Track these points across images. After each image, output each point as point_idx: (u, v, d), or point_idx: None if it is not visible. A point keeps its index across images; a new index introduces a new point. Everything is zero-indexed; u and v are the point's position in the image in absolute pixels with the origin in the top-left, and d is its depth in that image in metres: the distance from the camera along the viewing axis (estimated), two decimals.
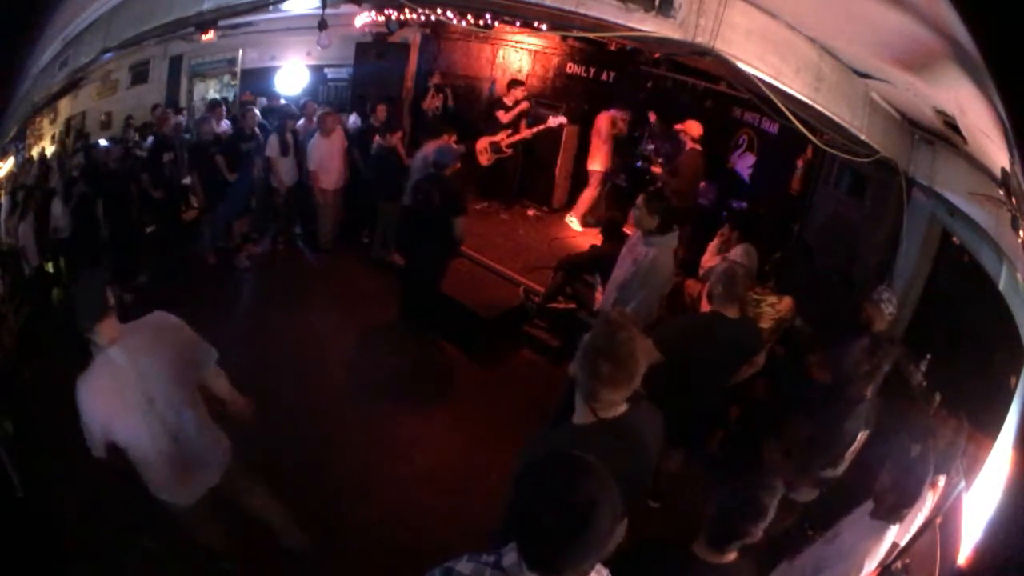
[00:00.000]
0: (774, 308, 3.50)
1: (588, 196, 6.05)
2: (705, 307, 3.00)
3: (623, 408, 1.76)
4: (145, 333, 2.19)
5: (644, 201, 3.41)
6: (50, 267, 3.96)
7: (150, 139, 4.74)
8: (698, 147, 5.08)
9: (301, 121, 5.57)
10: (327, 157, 5.24)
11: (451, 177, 4.28)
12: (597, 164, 5.91)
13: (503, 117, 6.00)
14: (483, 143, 6.00)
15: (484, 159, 6.02)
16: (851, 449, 2.67)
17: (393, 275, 4.76)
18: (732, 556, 1.74)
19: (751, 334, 3.02)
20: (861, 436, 2.66)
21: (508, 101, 6.03)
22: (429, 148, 4.65)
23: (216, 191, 4.92)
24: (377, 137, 5.38)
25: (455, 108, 6.60)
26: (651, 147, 5.88)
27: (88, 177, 4.33)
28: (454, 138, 5.05)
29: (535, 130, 6.05)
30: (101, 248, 4.38)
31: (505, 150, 6.06)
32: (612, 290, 3.61)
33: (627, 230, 4.31)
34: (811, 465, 2.74)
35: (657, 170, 5.46)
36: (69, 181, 4.21)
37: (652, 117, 5.83)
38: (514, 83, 6.12)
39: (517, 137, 6.05)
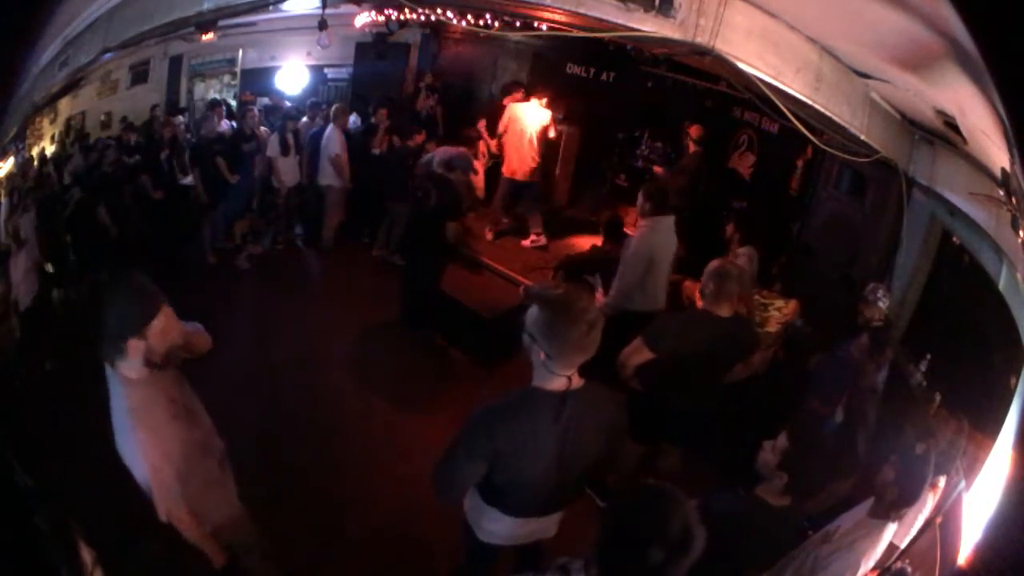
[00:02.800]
0: (781, 312, 3.50)
1: None
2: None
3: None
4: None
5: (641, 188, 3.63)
6: (50, 267, 3.95)
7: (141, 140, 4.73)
8: (699, 148, 5.11)
9: (303, 120, 5.56)
10: (345, 148, 5.25)
11: (455, 181, 4.32)
12: None
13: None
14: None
15: (480, 163, 6.00)
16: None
17: (394, 274, 4.77)
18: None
19: (744, 333, 3.01)
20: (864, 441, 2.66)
21: (503, 102, 6.01)
22: (437, 153, 4.73)
23: (218, 190, 4.92)
24: (396, 137, 5.36)
25: (447, 108, 6.59)
26: (650, 149, 5.89)
27: (86, 177, 4.31)
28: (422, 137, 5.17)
29: None
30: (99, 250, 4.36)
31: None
32: None
33: (628, 231, 4.31)
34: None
35: (658, 169, 5.47)
36: (68, 185, 4.20)
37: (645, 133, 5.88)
38: (511, 84, 6.11)
39: None
